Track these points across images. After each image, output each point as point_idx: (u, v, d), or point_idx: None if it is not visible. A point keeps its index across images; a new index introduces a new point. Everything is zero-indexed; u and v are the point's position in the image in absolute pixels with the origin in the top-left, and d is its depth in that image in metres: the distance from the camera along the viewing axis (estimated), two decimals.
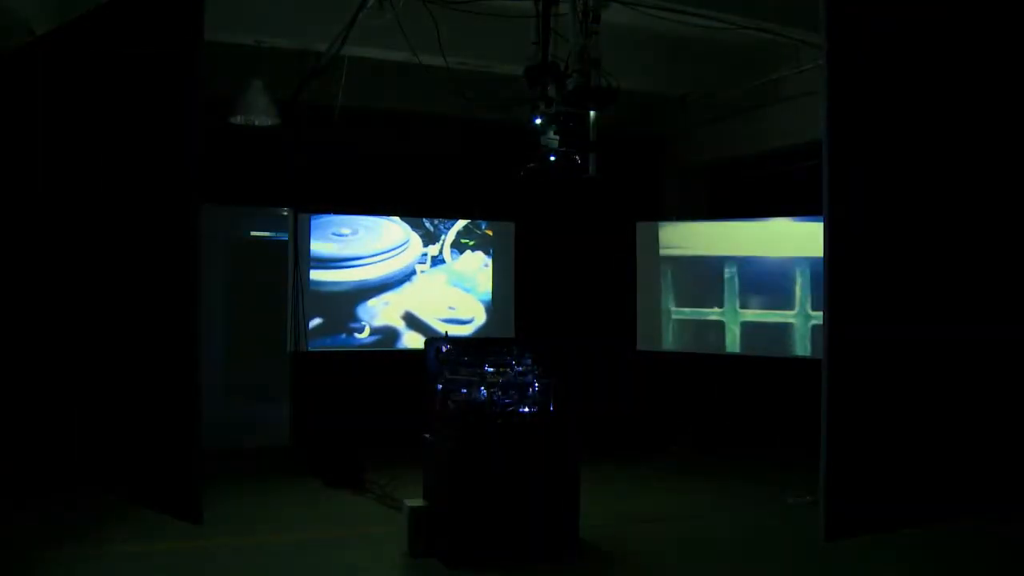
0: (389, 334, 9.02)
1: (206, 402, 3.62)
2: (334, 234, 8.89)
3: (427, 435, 5.58)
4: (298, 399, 8.74)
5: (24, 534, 5.49)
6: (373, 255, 9.02)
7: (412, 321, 9.16)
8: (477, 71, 6.76)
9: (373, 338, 8.98)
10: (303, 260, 8.68)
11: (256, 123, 7.12)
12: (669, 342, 9.00)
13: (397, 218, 9.08)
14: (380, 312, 9.03)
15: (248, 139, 7.82)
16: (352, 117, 7.20)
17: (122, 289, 3.99)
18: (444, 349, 5.77)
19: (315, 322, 8.72)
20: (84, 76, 4.16)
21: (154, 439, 3.80)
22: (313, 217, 8.77)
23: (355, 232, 8.96)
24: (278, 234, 8.85)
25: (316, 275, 8.78)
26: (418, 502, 5.39)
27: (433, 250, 9.24)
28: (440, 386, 5.56)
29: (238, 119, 7.08)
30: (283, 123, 7.17)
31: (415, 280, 9.16)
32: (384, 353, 8.97)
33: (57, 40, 4.46)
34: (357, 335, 8.89)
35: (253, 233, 9.00)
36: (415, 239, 9.17)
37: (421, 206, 9.12)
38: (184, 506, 3.70)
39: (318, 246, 8.78)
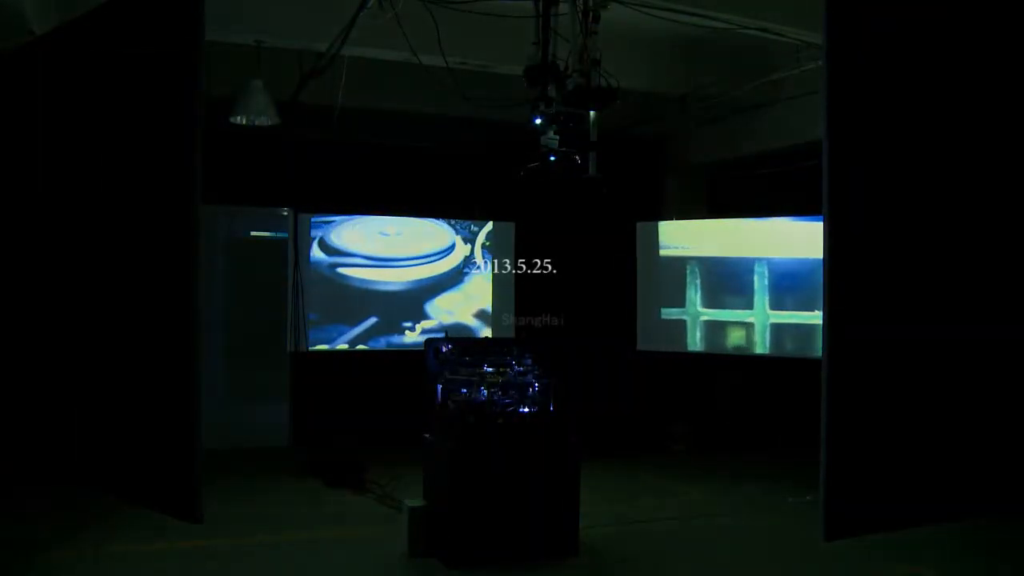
0: (462, 332, 9.17)
1: (206, 402, 3.63)
2: (381, 233, 9.04)
3: (427, 435, 5.58)
4: (298, 399, 8.74)
5: (24, 534, 5.49)
6: (423, 256, 9.19)
7: (485, 317, 9.37)
8: (477, 71, 6.76)
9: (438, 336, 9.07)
10: (303, 260, 8.71)
11: (256, 123, 7.12)
12: (669, 342, 9.00)
13: (439, 220, 9.24)
14: (454, 310, 9.25)
15: (248, 139, 7.82)
16: (352, 117, 7.19)
17: (122, 289, 4.00)
18: (444, 349, 5.77)
19: (371, 321, 8.89)
20: (84, 76, 4.16)
21: (154, 439, 3.80)
22: (346, 217, 8.90)
23: (399, 232, 9.11)
24: (278, 234, 8.86)
25: (362, 273, 8.94)
26: (418, 502, 5.39)
27: (466, 250, 9.37)
28: (440, 386, 5.56)
29: (238, 119, 7.08)
30: (283, 123, 7.17)
31: (469, 280, 9.33)
32: (384, 353, 8.99)
33: (57, 40, 4.46)
34: (408, 335, 8.94)
35: (253, 233, 9.00)
36: (459, 242, 9.33)
37: (421, 206, 9.13)
38: (184, 506, 3.70)
39: (363, 246, 8.94)
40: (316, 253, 8.84)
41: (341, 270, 8.91)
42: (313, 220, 8.80)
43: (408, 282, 9.12)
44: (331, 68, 6.22)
